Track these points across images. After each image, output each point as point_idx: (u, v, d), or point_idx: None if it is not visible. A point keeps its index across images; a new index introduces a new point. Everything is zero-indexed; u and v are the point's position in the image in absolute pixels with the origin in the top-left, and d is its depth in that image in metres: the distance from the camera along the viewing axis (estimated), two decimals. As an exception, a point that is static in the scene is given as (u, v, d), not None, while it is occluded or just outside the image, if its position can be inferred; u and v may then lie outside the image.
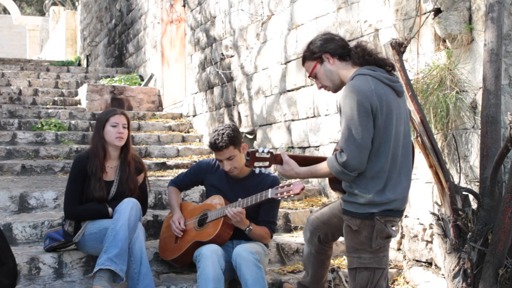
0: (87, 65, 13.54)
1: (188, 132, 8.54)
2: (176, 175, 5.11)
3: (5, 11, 29.38)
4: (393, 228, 2.89)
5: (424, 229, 4.24)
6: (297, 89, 5.99)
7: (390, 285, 4.27)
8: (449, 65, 3.92)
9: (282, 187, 3.41)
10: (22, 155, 6.69)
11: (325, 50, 2.94)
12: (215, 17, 7.83)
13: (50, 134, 7.39)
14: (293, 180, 3.47)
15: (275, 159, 3.01)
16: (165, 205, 4.99)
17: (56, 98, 9.65)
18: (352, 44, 3.03)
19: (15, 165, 6.16)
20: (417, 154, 4.22)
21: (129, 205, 3.56)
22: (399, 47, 3.66)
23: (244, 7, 6.98)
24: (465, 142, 3.89)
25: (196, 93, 8.53)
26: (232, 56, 7.38)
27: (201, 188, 4.89)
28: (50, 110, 8.43)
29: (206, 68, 8.16)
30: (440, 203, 3.65)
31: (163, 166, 6.74)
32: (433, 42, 4.16)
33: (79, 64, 15.43)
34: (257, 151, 2.97)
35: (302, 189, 3.32)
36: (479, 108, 3.68)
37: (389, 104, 2.80)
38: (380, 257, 2.87)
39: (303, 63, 3.05)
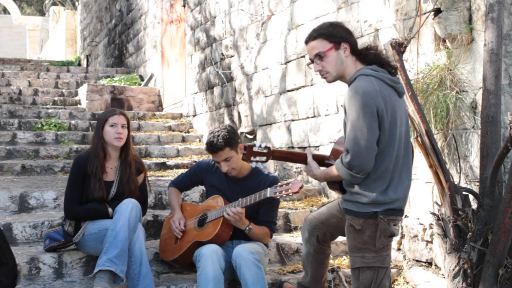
0: (87, 65, 13.54)
1: (188, 132, 8.54)
2: (176, 175, 5.12)
3: (5, 11, 29.38)
4: (395, 227, 2.90)
5: (424, 229, 4.24)
6: (297, 89, 5.99)
7: (390, 285, 4.27)
8: (449, 65, 3.92)
9: (281, 186, 3.42)
10: (22, 155, 6.69)
11: (347, 39, 2.90)
12: (215, 17, 7.83)
13: (50, 134, 7.39)
14: (292, 179, 3.48)
15: (273, 154, 3.02)
16: (165, 205, 4.99)
17: (56, 98, 9.65)
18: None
19: (15, 165, 6.16)
20: (417, 154, 4.23)
21: (129, 205, 3.56)
22: (399, 47, 3.66)
23: (244, 7, 6.97)
24: (465, 142, 3.89)
25: (196, 93, 8.53)
26: (232, 56, 7.38)
27: (201, 188, 4.89)
28: (50, 110, 8.43)
29: (206, 68, 8.16)
30: (440, 203, 3.65)
31: (163, 166, 6.74)
32: (433, 42, 4.16)
33: (79, 64, 15.43)
34: (254, 145, 2.97)
35: (301, 188, 3.32)
36: (479, 108, 3.68)
37: (393, 105, 2.82)
38: (383, 256, 2.87)
39: (312, 39, 2.94)
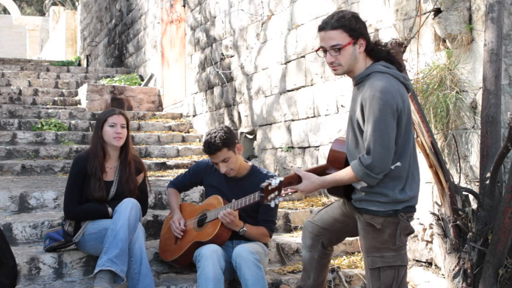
0: (87, 65, 13.54)
1: (188, 132, 8.54)
2: (176, 175, 5.11)
3: (5, 11, 29.38)
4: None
5: (424, 229, 4.24)
6: (297, 89, 5.99)
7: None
8: (449, 65, 3.92)
9: None
10: (22, 155, 6.69)
11: (365, 36, 2.84)
12: (215, 17, 7.83)
13: (50, 134, 7.39)
14: None
15: (285, 182, 2.91)
16: (165, 205, 4.99)
17: (56, 98, 9.65)
18: None
19: (15, 165, 6.16)
20: (417, 154, 4.23)
21: (128, 205, 3.56)
22: (399, 47, 3.66)
23: (244, 7, 6.97)
24: (465, 142, 3.89)
25: (196, 93, 8.53)
26: (232, 56, 7.38)
27: (201, 188, 4.89)
28: (50, 110, 8.43)
29: (206, 68, 8.16)
30: (440, 203, 3.65)
31: (163, 166, 6.74)
32: (433, 42, 4.16)
33: (79, 64, 15.43)
34: (269, 184, 2.87)
35: None
36: (479, 108, 3.68)
37: (408, 104, 2.83)
38: (402, 254, 2.86)
39: (332, 29, 2.78)
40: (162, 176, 6.25)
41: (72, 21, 18.35)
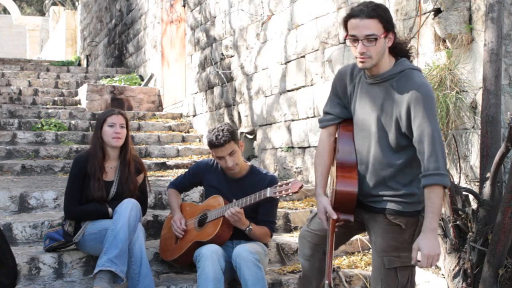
0: (87, 65, 13.54)
1: (188, 132, 8.54)
2: (176, 175, 5.12)
3: (5, 11, 29.38)
4: None
5: (424, 229, 4.24)
6: (297, 89, 5.99)
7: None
8: (449, 65, 3.92)
9: (281, 186, 3.42)
10: (22, 155, 6.69)
11: (394, 30, 2.69)
12: (215, 17, 7.83)
13: (50, 134, 7.39)
14: (291, 179, 3.47)
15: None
16: (165, 205, 4.99)
17: (56, 98, 9.65)
18: None
19: (15, 165, 6.16)
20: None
21: (128, 205, 3.56)
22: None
23: (244, 7, 6.97)
24: (465, 142, 3.89)
25: (196, 93, 8.53)
26: (232, 56, 7.38)
27: (201, 188, 4.89)
28: (50, 110, 8.43)
29: (206, 68, 8.16)
30: (440, 203, 3.65)
31: (163, 166, 6.74)
32: (433, 42, 4.16)
33: (79, 64, 15.43)
34: None
35: (300, 187, 3.32)
36: (479, 108, 3.68)
37: None
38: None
39: (369, 18, 2.60)
40: (162, 176, 6.25)
41: (72, 21, 18.35)
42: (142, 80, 10.83)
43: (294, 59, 6.03)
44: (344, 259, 4.50)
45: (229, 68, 7.43)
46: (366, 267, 4.38)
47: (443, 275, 3.94)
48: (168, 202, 4.05)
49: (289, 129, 6.15)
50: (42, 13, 27.68)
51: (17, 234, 4.11)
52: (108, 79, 10.88)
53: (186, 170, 4.21)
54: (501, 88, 3.55)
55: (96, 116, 8.24)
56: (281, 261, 4.36)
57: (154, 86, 10.19)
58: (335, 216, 2.75)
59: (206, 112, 8.16)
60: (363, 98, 2.76)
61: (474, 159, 3.81)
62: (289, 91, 6.14)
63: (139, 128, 8.36)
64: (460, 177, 3.81)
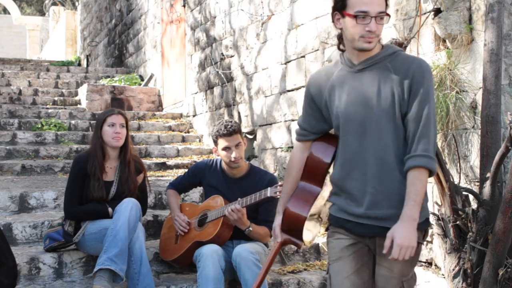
0: (87, 65, 13.54)
1: (188, 132, 8.54)
2: (176, 175, 5.12)
3: (5, 11, 29.38)
4: None
5: (424, 229, 4.24)
6: (297, 89, 5.99)
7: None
8: (449, 65, 3.92)
9: (281, 185, 3.41)
10: (22, 155, 6.69)
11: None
12: (215, 17, 7.83)
13: (50, 134, 7.39)
14: None
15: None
16: (165, 205, 4.99)
17: (56, 98, 9.65)
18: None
19: (15, 165, 6.16)
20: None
21: (128, 205, 3.56)
22: (399, 47, 3.66)
23: (244, 7, 6.97)
24: (465, 142, 3.89)
25: (196, 93, 8.53)
26: (232, 56, 7.38)
27: (201, 188, 4.89)
28: (50, 110, 8.43)
29: (206, 68, 8.16)
30: (440, 203, 3.65)
31: (163, 166, 6.74)
32: (433, 42, 4.16)
33: (79, 64, 15.43)
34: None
35: None
36: (479, 108, 3.68)
37: None
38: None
39: None
40: (162, 176, 6.25)
41: (72, 21, 18.35)
42: (142, 80, 10.83)
43: (294, 59, 6.03)
44: (344, 259, 4.49)
45: (229, 68, 7.43)
46: (366, 267, 4.37)
47: (443, 275, 3.94)
48: (168, 203, 4.05)
49: (289, 129, 6.15)
50: (42, 13, 27.69)
51: (17, 234, 4.11)
52: (108, 79, 10.88)
53: (186, 170, 4.21)
54: (501, 88, 3.54)
55: (96, 116, 8.24)
56: (281, 261, 4.36)
57: (154, 86, 10.19)
58: (279, 239, 2.54)
59: (206, 112, 8.16)
60: (350, 90, 2.38)
61: (474, 159, 3.81)
62: (289, 91, 6.14)
63: (139, 128, 8.36)
64: (460, 177, 3.81)
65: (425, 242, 4.23)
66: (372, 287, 2.46)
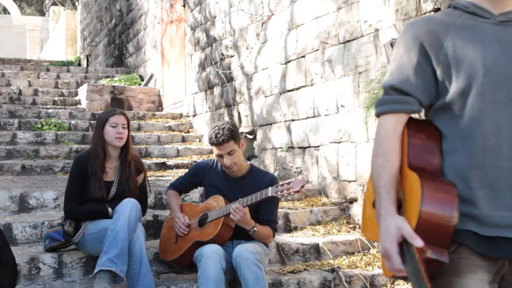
0: (87, 65, 13.54)
1: (188, 132, 8.54)
2: (176, 175, 5.12)
3: (5, 11, 29.39)
4: None
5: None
6: (297, 89, 5.99)
7: (390, 285, 4.27)
8: (449, 65, 3.92)
9: (282, 185, 3.41)
10: (22, 155, 6.69)
11: None
12: (215, 17, 7.83)
13: (50, 134, 7.39)
14: (292, 179, 3.47)
15: None
16: (165, 205, 4.99)
17: (56, 98, 9.65)
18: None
19: (15, 165, 6.16)
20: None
21: (128, 205, 3.55)
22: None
23: (244, 7, 6.97)
24: (465, 142, 3.89)
25: (196, 93, 8.53)
26: (232, 56, 7.38)
27: (201, 188, 4.89)
28: (50, 110, 8.43)
29: (206, 68, 8.16)
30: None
31: (163, 166, 6.74)
32: (433, 42, 4.16)
33: (79, 64, 15.43)
34: None
35: (302, 187, 3.32)
36: (479, 108, 3.67)
37: None
38: None
39: None
40: (162, 176, 6.25)
41: (72, 21, 18.35)
42: (142, 80, 10.83)
43: (294, 59, 6.03)
44: (344, 259, 4.50)
45: (229, 68, 7.43)
46: (366, 267, 4.38)
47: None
48: (168, 203, 4.04)
49: (289, 129, 6.15)
50: (42, 13, 27.69)
51: (17, 234, 4.11)
52: (108, 79, 10.88)
53: (186, 170, 4.21)
54: (501, 88, 3.54)
55: (96, 116, 8.24)
56: (281, 261, 4.36)
57: (154, 86, 10.19)
58: (420, 243, 1.57)
59: (206, 112, 8.16)
60: (496, 44, 1.70)
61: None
62: (289, 91, 6.14)
63: (139, 128, 8.36)
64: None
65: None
66: None
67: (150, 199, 4.80)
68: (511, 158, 1.64)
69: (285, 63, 6.20)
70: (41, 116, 8.22)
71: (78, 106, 9.52)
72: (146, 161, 6.58)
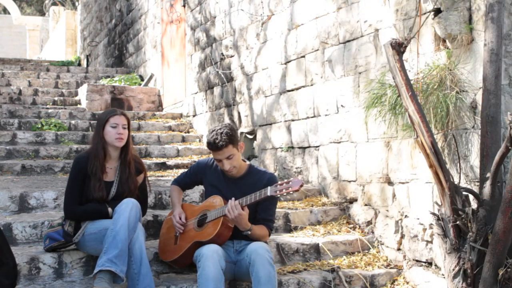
0: (87, 65, 13.54)
1: (188, 132, 8.54)
2: (176, 175, 5.12)
3: (5, 11, 29.38)
4: None
5: (424, 229, 4.24)
6: (297, 89, 5.99)
7: (390, 285, 4.27)
8: (449, 65, 3.92)
9: (281, 184, 3.42)
10: (22, 155, 6.69)
11: None
12: (215, 17, 7.83)
13: (50, 134, 7.39)
14: (292, 178, 3.47)
15: None
16: (165, 205, 4.99)
17: (56, 98, 9.65)
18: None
19: (15, 165, 6.16)
20: (417, 154, 4.23)
21: (128, 205, 3.56)
22: (399, 47, 3.66)
23: (244, 7, 6.97)
24: (465, 142, 3.89)
25: (196, 93, 8.53)
26: (232, 56, 7.38)
27: (201, 188, 4.89)
28: (50, 110, 8.43)
29: (206, 68, 8.16)
30: (440, 203, 3.65)
31: (163, 166, 6.74)
32: (433, 42, 4.16)
33: (79, 64, 15.43)
34: None
35: (301, 186, 3.32)
36: (479, 108, 3.68)
37: None
38: None
39: None
40: (162, 176, 6.25)
41: (72, 21, 18.35)
42: (142, 80, 10.83)
43: (294, 59, 6.03)
44: (344, 259, 4.50)
45: (229, 68, 7.43)
46: (366, 267, 4.38)
47: (443, 275, 3.94)
48: (170, 197, 4.08)
49: (289, 129, 6.15)
50: (42, 13, 27.68)
51: (17, 234, 4.11)
52: (108, 79, 10.88)
53: (186, 170, 4.22)
54: (501, 88, 3.54)
55: (96, 116, 8.24)
56: (281, 261, 4.36)
57: (154, 86, 10.19)
58: None
59: (206, 112, 8.16)
60: None
61: (474, 159, 3.81)
62: (289, 91, 6.13)
63: (139, 128, 8.36)
64: (460, 177, 3.81)
65: (425, 242, 4.23)
66: None
67: (150, 199, 4.80)
68: None
69: (285, 63, 6.20)
70: (41, 116, 8.22)
71: (78, 106, 9.52)
72: (146, 161, 6.58)
